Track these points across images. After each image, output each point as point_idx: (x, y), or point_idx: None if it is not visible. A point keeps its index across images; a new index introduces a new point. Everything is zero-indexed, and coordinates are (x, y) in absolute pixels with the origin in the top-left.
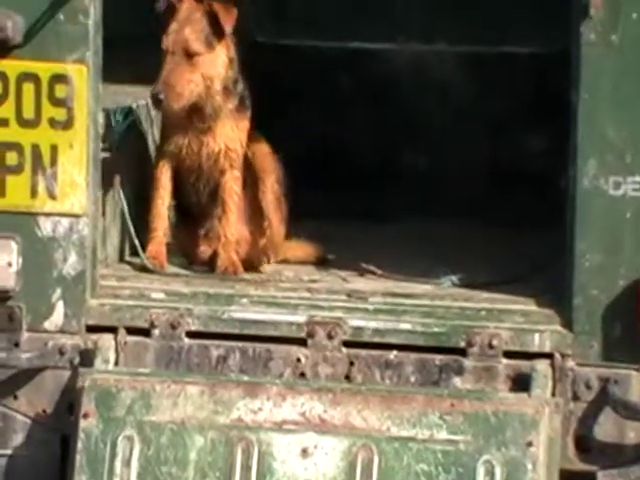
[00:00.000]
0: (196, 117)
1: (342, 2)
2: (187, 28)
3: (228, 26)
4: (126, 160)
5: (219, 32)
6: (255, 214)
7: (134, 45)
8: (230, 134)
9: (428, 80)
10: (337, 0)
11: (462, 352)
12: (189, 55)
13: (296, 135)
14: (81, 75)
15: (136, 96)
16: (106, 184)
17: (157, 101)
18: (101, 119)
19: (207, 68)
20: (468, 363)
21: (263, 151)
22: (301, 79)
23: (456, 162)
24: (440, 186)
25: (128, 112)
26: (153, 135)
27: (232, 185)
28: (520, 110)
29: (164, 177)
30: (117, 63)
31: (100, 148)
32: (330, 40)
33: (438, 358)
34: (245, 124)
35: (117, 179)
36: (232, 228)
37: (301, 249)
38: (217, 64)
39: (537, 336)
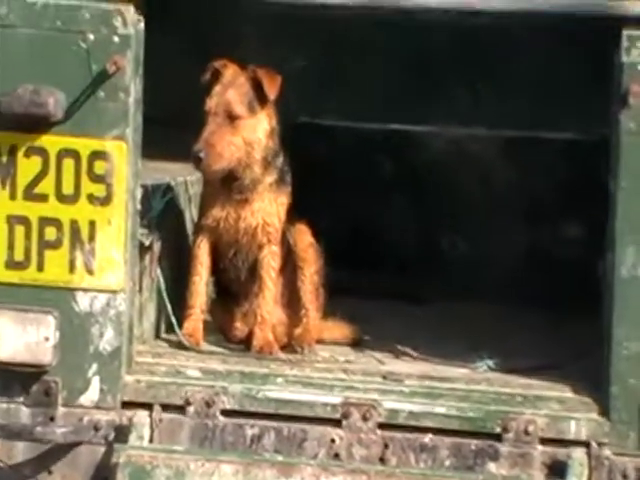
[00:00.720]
0: (234, 187)
1: (383, 84)
2: (231, 91)
3: (272, 93)
4: (164, 236)
5: (262, 98)
6: (292, 299)
7: (173, 123)
8: (268, 208)
9: (467, 164)
10: (378, 82)
11: (497, 437)
12: (231, 118)
13: (335, 215)
14: (120, 152)
15: (174, 173)
16: (143, 260)
17: (197, 160)
18: (139, 195)
19: (248, 133)
20: (503, 449)
21: (305, 242)
22: (341, 160)
23: (494, 246)
24: (478, 269)
25: (166, 189)
26: (191, 212)
27: (270, 261)
28: (558, 196)
29: (201, 253)
30: (156, 140)
31: (138, 224)
32: (371, 122)
33: (473, 443)
34: (284, 200)
35: (154, 255)
36: (269, 307)
37: (337, 329)
38: (258, 130)
39: (573, 424)
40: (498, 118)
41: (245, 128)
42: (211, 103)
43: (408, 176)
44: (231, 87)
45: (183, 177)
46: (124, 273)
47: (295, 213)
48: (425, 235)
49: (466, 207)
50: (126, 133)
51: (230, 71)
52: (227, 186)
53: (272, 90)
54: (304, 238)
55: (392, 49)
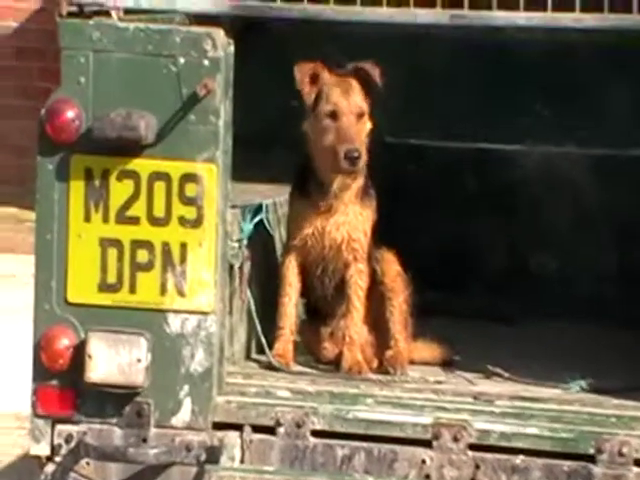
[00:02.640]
0: (324, 192)
1: (470, 103)
2: (352, 89)
3: (380, 80)
4: (253, 258)
5: (367, 94)
6: (381, 319)
7: (263, 145)
8: (354, 222)
9: (556, 183)
10: (465, 101)
11: (591, 459)
12: (359, 116)
13: (424, 235)
14: (211, 174)
15: (264, 195)
16: (233, 282)
17: (354, 160)
18: (230, 217)
19: (366, 130)
20: (597, 470)
21: (393, 271)
22: (428, 179)
23: (585, 265)
24: (569, 288)
25: (257, 210)
26: (280, 233)
27: (357, 280)
28: None
29: (290, 274)
30: (246, 162)
31: (228, 246)
32: (458, 141)
33: (566, 464)
34: (369, 214)
35: (244, 277)
36: (357, 327)
37: (427, 350)
38: (368, 127)
39: None
40: (587, 136)
41: (365, 125)
42: (342, 104)
43: (497, 195)
44: (348, 85)
45: (272, 198)
46: (214, 295)
47: (382, 238)
48: (515, 255)
49: (556, 226)
50: (216, 156)
51: (329, 73)
52: (313, 198)
53: (380, 77)
54: (392, 267)
55: (478, 67)
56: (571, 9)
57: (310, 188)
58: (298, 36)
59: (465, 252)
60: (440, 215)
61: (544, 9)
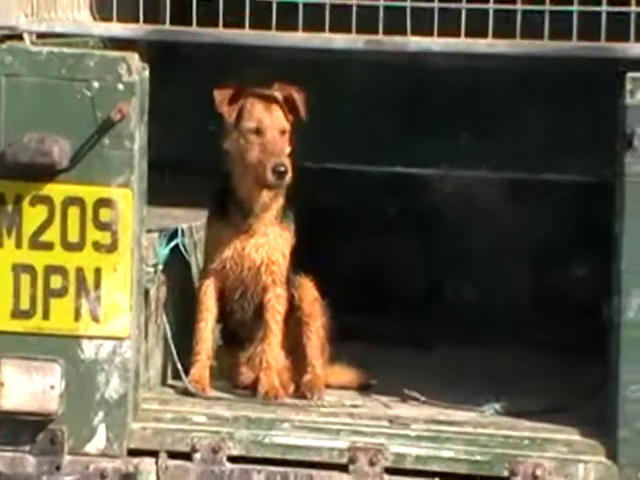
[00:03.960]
0: (245, 212)
1: (388, 127)
2: (275, 106)
3: (303, 106)
4: (169, 283)
5: (288, 115)
6: (298, 351)
7: (179, 169)
8: (273, 243)
9: (472, 207)
10: (383, 125)
11: None
12: (282, 132)
13: (340, 258)
14: (126, 199)
15: (180, 219)
16: (149, 307)
17: (282, 173)
18: (145, 242)
19: (288, 147)
20: None
21: (311, 297)
22: (346, 204)
23: (501, 290)
24: (484, 313)
25: (172, 235)
26: (196, 258)
27: (275, 304)
28: (564, 238)
29: (207, 298)
30: (163, 187)
31: (144, 271)
32: (375, 165)
33: None
34: (288, 236)
35: (160, 302)
36: (274, 352)
37: (344, 374)
38: (288, 146)
39: (581, 467)
40: (503, 161)
41: (287, 142)
42: (264, 120)
43: (413, 220)
44: (270, 102)
45: (188, 223)
46: (130, 320)
47: (300, 263)
48: (432, 280)
49: (472, 251)
50: (131, 180)
51: (255, 90)
52: (232, 219)
53: (304, 106)
54: (309, 293)
55: (397, 92)
56: (485, 35)
57: (229, 209)
58: (215, 60)
59: (382, 277)
60: (358, 240)
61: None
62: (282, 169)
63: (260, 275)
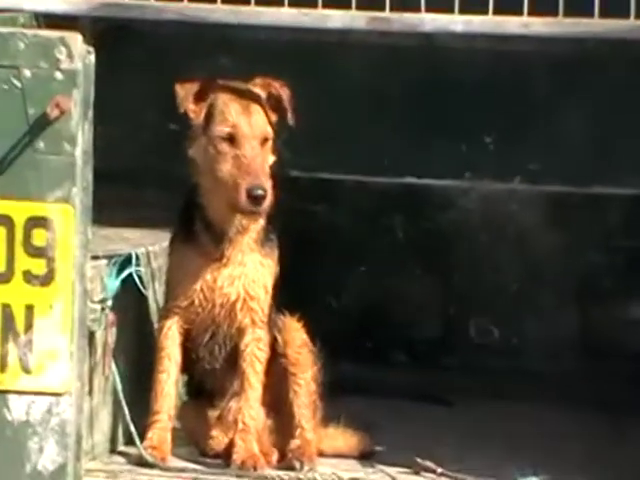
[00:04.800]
0: (215, 238)
1: (395, 129)
2: (254, 107)
3: (290, 104)
4: (121, 323)
5: (271, 118)
6: (283, 409)
7: (133, 180)
8: (252, 274)
9: (501, 227)
10: (389, 127)
11: None
12: (263, 141)
13: (336, 292)
14: (66, 217)
15: (134, 243)
16: (95, 354)
17: (259, 199)
18: (90, 272)
19: (270, 161)
20: None
21: (298, 341)
22: (343, 223)
23: (534, 330)
24: (515, 361)
25: (125, 263)
26: (154, 291)
27: (254, 350)
28: (615, 267)
29: (169, 343)
30: (112, 201)
31: (88, 309)
32: (381, 176)
33: None
34: (271, 265)
35: (109, 347)
36: (253, 410)
37: (341, 438)
38: (271, 158)
39: None
40: (539, 170)
41: (269, 154)
42: (242, 126)
43: (425, 243)
44: (254, 102)
45: (145, 247)
46: (70, 371)
47: (285, 297)
48: (449, 318)
49: (500, 282)
50: (72, 194)
51: (229, 85)
52: (201, 244)
53: (291, 104)
54: (296, 336)
55: (406, 85)
56: (518, 12)
57: (197, 231)
58: (179, 43)
59: (388, 315)
60: (357, 268)
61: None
62: (259, 193)
63: (235, 313)
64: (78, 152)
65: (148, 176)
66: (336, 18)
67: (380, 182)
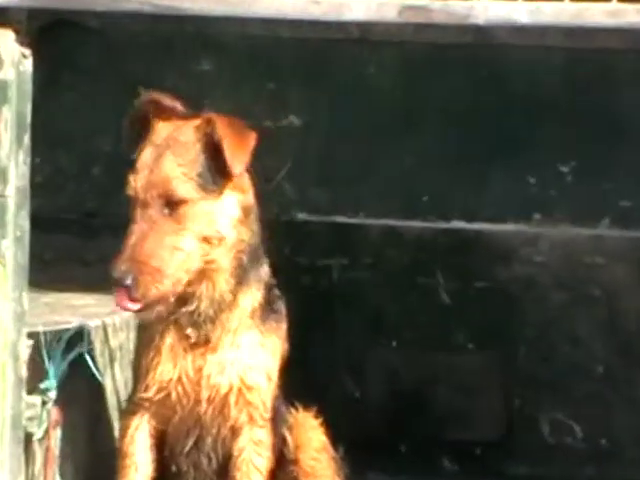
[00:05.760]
0: (188, 322)
1: (439, 159)
2: (169, 156)
3: (239, 162)
4: (70, 421)
5: (224, 167)
6: None
7: (84, 226)
8: (247, 359)
9: (581, 286)
10: (431, 155)
11: None
12: (172, 204)
13: (363, 374)
14: None
15: (86, 312)
16: (32, 464)
17: (122, 291)
18: (26, 353)
19: (204, 225)
20: None
21: (316, 443)
22: (370, 278)
23: (629, 427)
24: (603, 469)
25: (72, 339)
26: (114, 378)
27: (252, 455)
28: None
29: (137, 449)
30: (56, 257)
31: (24, 403)
32: (417, 219)
33: None
34: (276, 344)
35: (52, 455)
36: None
37: None
38: (220, 218)
39: None
40: (635, 211)
41: (197, 219)
42: (137, 182)
43: (478, 308)
44: (170, 148)
45: (100, 319)
46: None
47: (296, 382)
48: (512, 407)
49: (580, 361)
50: (2, 248)
51: (168, 120)
52: (179, 326)
53: (240, 157)
54: (312, 437)
55: (449, 97)
56: None
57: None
58: (148, 43)
59: (429, 406)
60: (387, 343)
61: None
62: (122, 283)
63: (228, 410)
64: (10, 191)
65: (106, 221)
66: (357, 8)
67: (416, 227)
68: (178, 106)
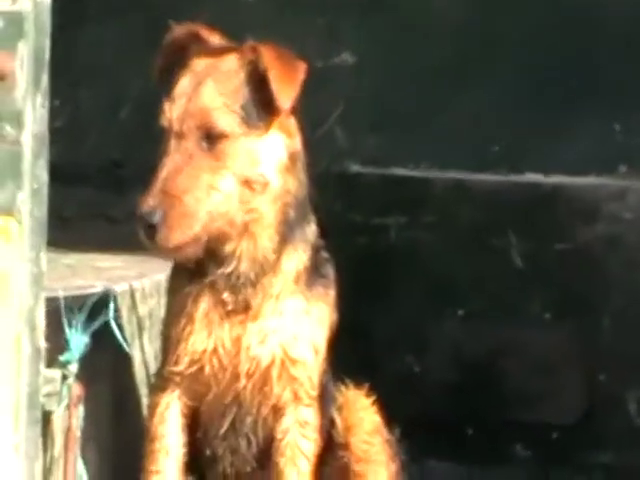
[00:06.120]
0: (222, 284)
1: (503, 106)
2: (209, 86)
3: (287, 95)
4: (93, 398)
5: (270, 103)
6: None
7: (109, 178)
8: (293, 327)
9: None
10: (495, 103)
11: None
12: (211, 138)
13: (419, 345)
14: (6, 237)
15: (112, 275)
16: (53, 445)
17: (149, 230)
18: (43, 321)
19: (246, 165)
20: None
21: (368, 425)
22: (430, 239)
23: None
24: None
25: (96, 305)
26: (143, 350)
27: (297, 438)
28: None
29: (167, 429)
30: (78, 214)
31: (42, 378)
32: (485, 171)
33: None
34: (324, 311)
35: (73, 435)
36: None
37: None
38: (264, 160)
39: None
40: None
41: (238, 156)
42: (173, 111)
43: (556, 273)
44: (211, 76)
45: (128, 282)
46: (14, 472)
47: (348, 358)
48: (594, 388)
49: None
50: (17, 201)
51: (208, 49)
52: (215, 291)
53: (288, 90)
54: (364, 417)
55: (541, 52)
56: None
57: (208, 266)
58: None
59: (500, 385)
60: (453, 312)
61: None
62: (149, 220)
63: (270, 385)
64: (25, 137)
65: (134, 172)
66: None
67: (486, 181)
68: (217, 39)
